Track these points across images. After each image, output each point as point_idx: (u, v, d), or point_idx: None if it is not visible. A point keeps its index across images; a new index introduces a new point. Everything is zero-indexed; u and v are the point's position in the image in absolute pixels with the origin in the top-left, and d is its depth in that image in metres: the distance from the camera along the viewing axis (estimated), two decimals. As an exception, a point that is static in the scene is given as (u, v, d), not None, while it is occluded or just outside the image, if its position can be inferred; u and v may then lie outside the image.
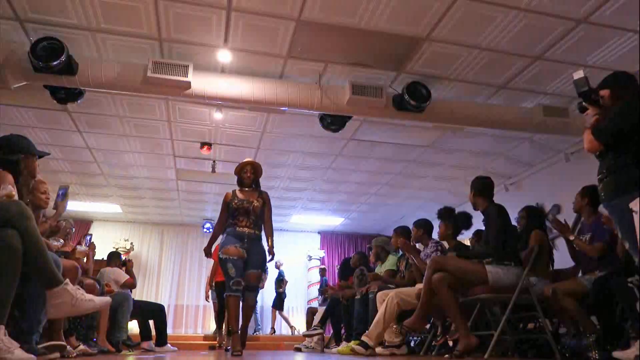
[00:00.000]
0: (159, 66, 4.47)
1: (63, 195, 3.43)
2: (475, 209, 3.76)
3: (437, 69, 4.88)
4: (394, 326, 4.03)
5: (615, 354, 2.78)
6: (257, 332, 9.30)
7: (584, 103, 2.71)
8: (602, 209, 3.68)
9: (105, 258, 6.19)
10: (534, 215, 4.19)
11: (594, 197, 3.70)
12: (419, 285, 3.96)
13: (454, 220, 4.42)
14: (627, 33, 4.23)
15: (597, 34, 4.25)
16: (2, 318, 1.93)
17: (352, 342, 4.42)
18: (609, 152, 2.49)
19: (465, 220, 4.44)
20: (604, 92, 2.61)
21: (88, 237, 4.75)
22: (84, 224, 10.33)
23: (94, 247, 4.99)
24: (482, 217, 3.68)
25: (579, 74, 2.65)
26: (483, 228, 5.01)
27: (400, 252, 5.13)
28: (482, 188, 3.71)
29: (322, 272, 10.19)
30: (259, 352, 6.31)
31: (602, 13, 3.98)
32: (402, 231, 4.96)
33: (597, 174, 2.61)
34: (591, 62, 4.66)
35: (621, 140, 2.43)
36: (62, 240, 4.18)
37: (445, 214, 4.49)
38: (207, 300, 8.20)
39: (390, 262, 5.22)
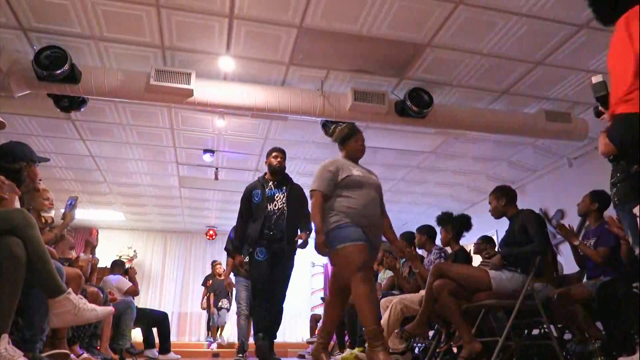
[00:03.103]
0: (162, 74, 4.49)
1: (71, 205, 3.41)
2: (500, 216, 3.72)
3: (439, 74, 4.89)
4: (397, 331, 4.02)
5: (622, 359, 2.76)
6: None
7: (600, 107, 2.71)
8: (606, 213, 3.68)
9: (109, 266, 6.19)
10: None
11: (603, 202, 3.69)
12: (423, 292, 3.94)
13: (453, 224, 4.42)
14: (629, 37, 4.22)
15: (598, 39, 4.25)
16: (6, 326, 1.93)
17: (356, 348, 4.40)
18: (626, 156, 2.48)
19: (465, 223, 4.43)
20: None
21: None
22: (87, 231, 10.34)
23: (94, 246, 4.94)
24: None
25: (597, 78, 2.65)
26: (487, 233, 5.01)
27: (404, 259, 5.12)
28: (511, 195, 3.70)
29: None
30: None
31: (603, 18, 3.98)
32: (407, 237, 4.95)
33: (610, 178, 2.60)
34: (593, 67, 4.66)
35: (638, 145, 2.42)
36: (53, 211, 3.80)
37: (444, 219, 4.48)
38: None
39: (394, 268, 5.20)
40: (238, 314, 5.22)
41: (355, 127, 3.43)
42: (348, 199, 2.99)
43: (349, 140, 3.35)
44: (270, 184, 4.23)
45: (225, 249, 5.52)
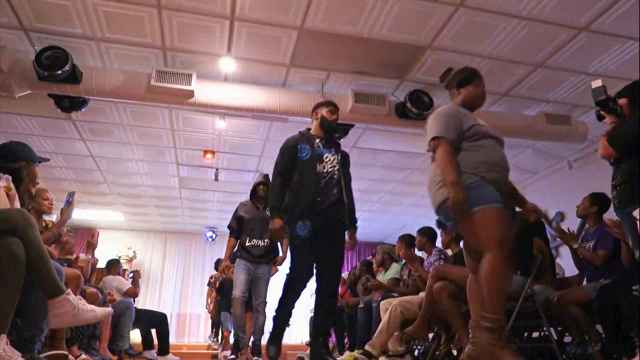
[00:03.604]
0: (163, 75, 4.50)
1: (69, 202, 3.41)
2: None
3: (439, 76, 4.88)
4: (397, 334, 4.02)
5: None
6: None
7: (601, 112, 2.72)
8: (605, 216, 3.68)
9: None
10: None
11: (603, 205, 3.69)
12: (422, 294, 3.94)
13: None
14: (628, 41, 4.23)
15: (598, 41, 4.26)
16: (4, 327, 1.93)
17: (356, 351, 4.39)
18: (626, 160, 2.49)
19: None
20: (622, 101, 2.63)
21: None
22: (87, 232, 10.34)
23: (94, 247, 4.94)
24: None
25: (597, 83, 2.67)
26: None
27: (404, 261, 5.12)
28: None
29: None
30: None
31: (603, 21, 3.99)
32: (407, 239, 4.95)
33: (611, 180, 2.60)
34: (593, 69, 4.66)
35: (637, 149, 2.43)
36: (55, 215, 3.64)
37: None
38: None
39: (394, 270, 5.21)
40: (233, 300, 4.52)
41: (477, 70, 2.82)
42: (477, 152, 2.42)
43: (469, 84, 2.69)
44: (317, 141, 3.42)
45: (229, 226, 4.83)
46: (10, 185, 2.36)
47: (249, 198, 4.88)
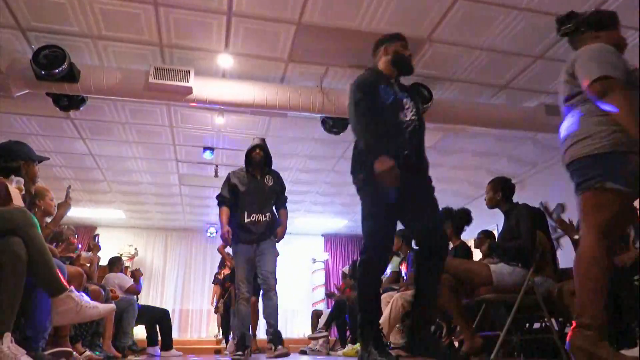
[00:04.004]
0: (161, 72, 4.49)
1: (67, 195, 3.42)
2: (493, 207, 3.74)
3: (438, 70, 4.88)
4: (398, 327, 4.04)
5: (622, 352, 2.76)
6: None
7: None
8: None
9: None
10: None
11: None
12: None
13: (453, 219, 4.43)
14: (629, 31, 4.22)
15: (597, 32, 4.25)
16: (8, 325, 1.94)
17: (358, 344, 4.41)
18: None
19: (465, 217, 4.44)
20: None
21: (96, 237, 4.00)
22: (88, 230, 10.36)
23: (99, 249, 4.97)
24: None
25: None
26: (488, 228, 5.01)
27: (403, 255, 5.14)
28: (510, 189, 3.71)
29: None
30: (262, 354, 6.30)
31: (602, 11, 3.97)
32: (406, 234, 4.96)
33: None
34: (592, 60, 4.65)
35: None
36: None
37: (444, 214, 4.49)
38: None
39: (395, 263, 5.23)
40: (238, 298, 4.06)
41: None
42: None
43: (613, 27, 2.24)
44: (392, 82, 2.71)
45: (220, 195, 4.23)
46: (21, 186, 2.38)
47: (243, 166, 4.35)
